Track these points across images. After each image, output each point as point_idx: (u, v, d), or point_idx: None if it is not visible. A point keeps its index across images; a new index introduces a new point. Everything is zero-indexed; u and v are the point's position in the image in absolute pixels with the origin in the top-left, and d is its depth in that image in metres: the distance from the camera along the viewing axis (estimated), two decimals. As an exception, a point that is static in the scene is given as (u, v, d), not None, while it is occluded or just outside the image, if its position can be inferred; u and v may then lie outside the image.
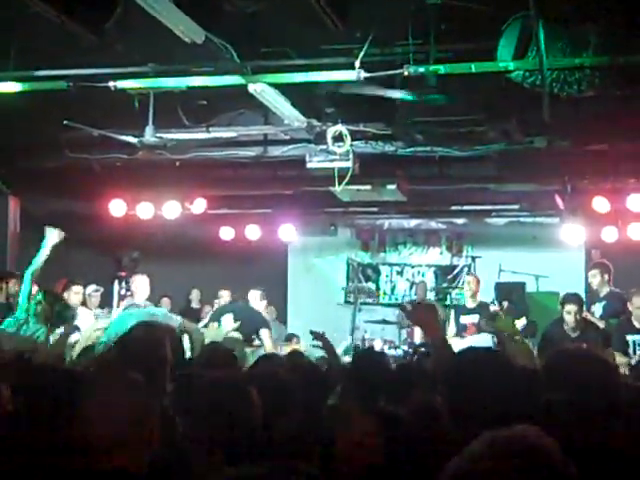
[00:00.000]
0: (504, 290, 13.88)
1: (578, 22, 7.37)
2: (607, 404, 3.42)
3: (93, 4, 6.30)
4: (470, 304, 12.25)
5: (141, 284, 11.10)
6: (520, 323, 11.35)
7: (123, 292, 15.00)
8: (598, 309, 10.73)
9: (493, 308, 11.58)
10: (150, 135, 9.92)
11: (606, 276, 10.82)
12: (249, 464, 2.82)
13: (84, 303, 12.39)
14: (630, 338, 9.73)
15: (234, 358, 6.21)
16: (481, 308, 11.85)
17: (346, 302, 17.07)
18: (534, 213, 14.73)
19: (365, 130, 10.32)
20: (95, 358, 6.77)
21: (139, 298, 10.94)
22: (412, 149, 10.56)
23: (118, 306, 14.99)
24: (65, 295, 12.20)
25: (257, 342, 10.99)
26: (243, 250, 15.43)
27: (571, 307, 9.86)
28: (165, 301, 14.48)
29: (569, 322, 9.80)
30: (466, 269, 16.66)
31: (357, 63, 7.87)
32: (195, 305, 16.00)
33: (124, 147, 10.77)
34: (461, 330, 11.86)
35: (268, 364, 5.69)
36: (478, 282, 12.47)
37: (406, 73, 7.96)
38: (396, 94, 8.98)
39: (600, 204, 12.14)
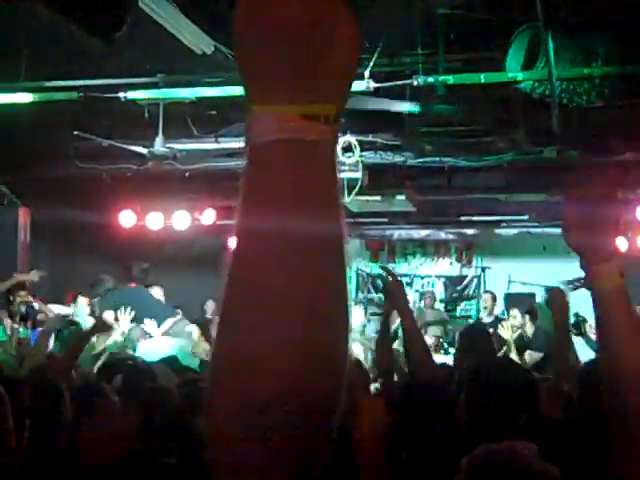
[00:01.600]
0: (514, 301, 13.88)
1: (587, 32, 7.38)
2: None
3: (104, 14, 6.33)
4: (486, 319, 12.37)
5: (156, 296, 11.22)
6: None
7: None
8: None
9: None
10: (160, 145, 9.95)
11: None
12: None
13: (93, 314, 12.41)
14: None
15: None
16: (497, 322, 11.91)
17: (355, 311, 17.07)
18: (544, 223, 14.70)
19: (374, 141, 10.33)
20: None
21: None
22: (421, 159, 10.57)
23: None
24: (73, 306, 12.28)
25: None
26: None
27: None
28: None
29: None
30: (476, 280, 16.66)
31: (366, 73, 7.88)
32: (210, 316, 15.97)
33: (134, 157, 10.79)
34: None
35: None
36: (494, 299, 12.68)
37: (415, 83, 7.97)
38: (404, 107, 8.98)
39: (610, 215, 12.10)
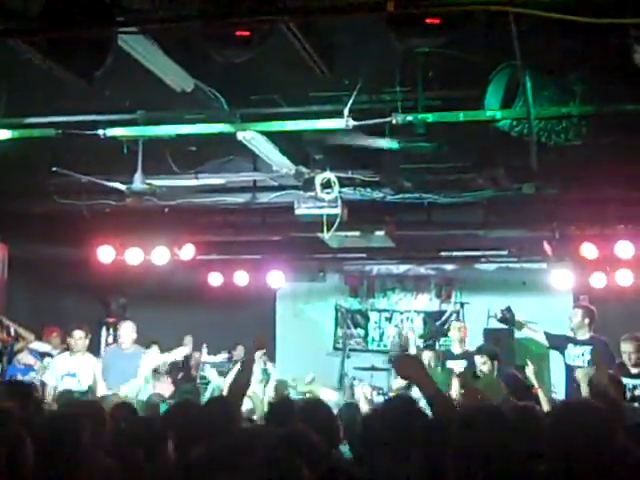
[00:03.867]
0: (492, 336, 13.85)
1: (565, 71, 7.43)
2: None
3: (84, 52, 6.33)
4: (457, 349, 12.20)
5: (126, 330, 11.23)
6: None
7: (110, 339, 14.96)
8: (585, 352, 10.62)
9: (479, 360, 11.35)
10: (139, 182, 9.92)
11: (587, 320, 10.73)
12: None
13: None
14: (625, 381, 9.68)
15: None
16: (468, 356, 11.78)
17: (335, 349, 17.01)
18: (523, 259, 14.75)
19: (353, 177, 10.35)
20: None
21: (125, 344, 11.13)
22: (400, 196, 10.59)
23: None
24: (55, 341, 12.23)
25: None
26: (232, 296, 15.40)
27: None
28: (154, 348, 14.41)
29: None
30: (455, 315, 16.66)
31: (346, 111, 7.89)
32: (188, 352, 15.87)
33: (113, 193, 10.77)
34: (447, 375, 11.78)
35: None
36: (465, 329, 12.52)
37: (394, 121, 7.99)
38: (383, 143, 9.01)
39: (588, 250, 12.18)
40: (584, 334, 10.73)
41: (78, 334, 11.58)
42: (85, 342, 11.72)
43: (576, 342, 10.76)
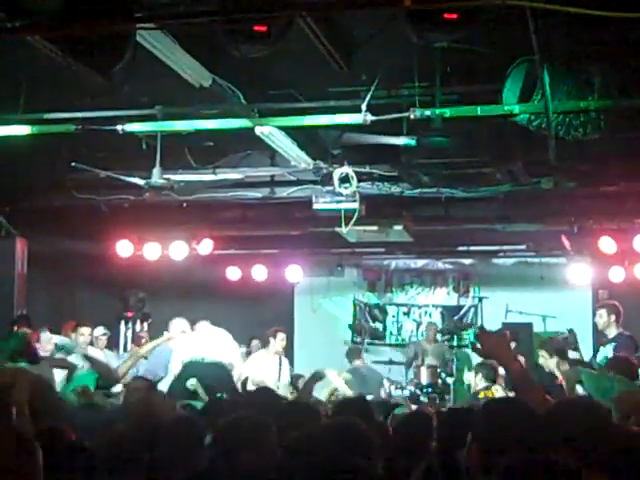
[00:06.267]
0: (511, 331, 13.84)
1: (583, 65, 7.41)
2: None
3: (103, 48, 6.36)
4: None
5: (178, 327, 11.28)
6: None
7: (129, 333, 15.01)
8: (608, 351, 10.62)
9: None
10: (157, 177, 9.94)
11: (613, 317, 10.71)
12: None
13: (91, 344, 12.40)
14: None
15: None
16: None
17: (353, 343, 17.03)
18: (541, 253, 14.74)
19: (371, 172, 10.36)
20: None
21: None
22: (418, 190, 10.59)
23: (125, 347, 15.03)
24: (73, 336, 12.27)
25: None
26: (250, 290, 15.45)
27: None
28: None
29: None
30: (473, 309, 16.66)
31: (363, 106, 7.90)
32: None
33: (131, 188, 10.80)
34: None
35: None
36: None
37: (412, 116, 7.99)
38: (401, 141, 9.01)
39: (607, 244, 12.16)
40: (612, 332, 10.71)
41: (85, 330, 11.67)
42: (87, 338, 11.80)
43: (605, 343, 10.74)
